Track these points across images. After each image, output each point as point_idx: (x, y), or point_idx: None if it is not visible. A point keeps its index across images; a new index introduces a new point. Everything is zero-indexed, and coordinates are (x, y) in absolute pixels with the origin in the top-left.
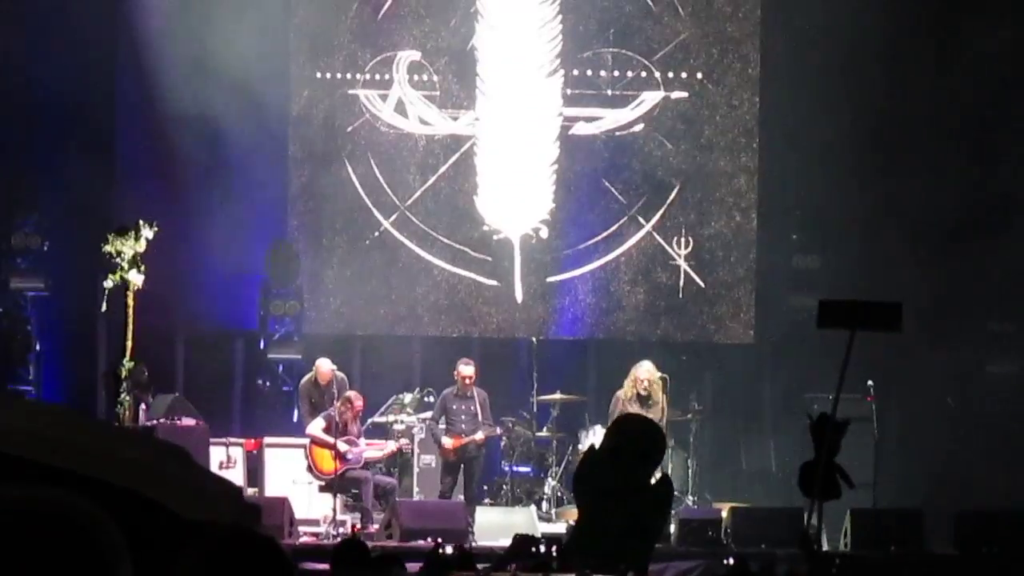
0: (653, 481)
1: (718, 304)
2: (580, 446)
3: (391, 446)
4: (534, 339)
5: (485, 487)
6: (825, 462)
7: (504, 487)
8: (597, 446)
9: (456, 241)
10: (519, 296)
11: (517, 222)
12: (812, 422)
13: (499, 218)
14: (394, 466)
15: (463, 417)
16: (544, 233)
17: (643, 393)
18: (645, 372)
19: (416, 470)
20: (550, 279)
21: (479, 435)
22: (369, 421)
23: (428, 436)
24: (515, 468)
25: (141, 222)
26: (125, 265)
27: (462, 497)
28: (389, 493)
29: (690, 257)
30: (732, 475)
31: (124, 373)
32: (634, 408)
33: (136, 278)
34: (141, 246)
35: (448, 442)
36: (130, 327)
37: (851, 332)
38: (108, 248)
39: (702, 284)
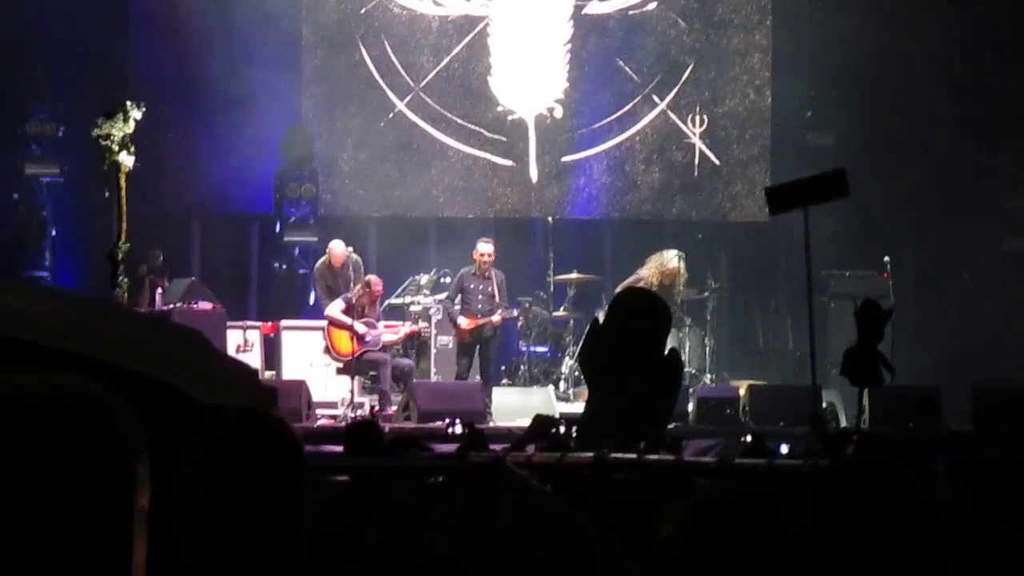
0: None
1: (733, 182)
2: (595, 316)
3: (408, 328)
4: (550, 219)
5: (502, 368)
6: (868, 349)
7: (521, 367)
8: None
9: (470, 122)
10: (534, 176)
11: (531, 102)
12: (857, 308)
13: (513, 98)
14: (411, 348)
15: (480, 297)
16: (558, 113)
17: (667, 283)
18: (676, 261)
19: (433, 352)
20: (565, 159)
21: (496, 317)
22: (386, 303)
23: (444, 317)
24: (532, 348)
25: (128, 103)
26: (115, 147)
27: (479, 378)
28: (407, 375)
29: (705, 135)
30: (749, 353)
31: (120, 256)
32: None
33: (126, 160)
34: (130, 127)
35: (464, 322)
36: (124, 210)
37: (804, 210)
38: (97, 132)
39: (717, 162)
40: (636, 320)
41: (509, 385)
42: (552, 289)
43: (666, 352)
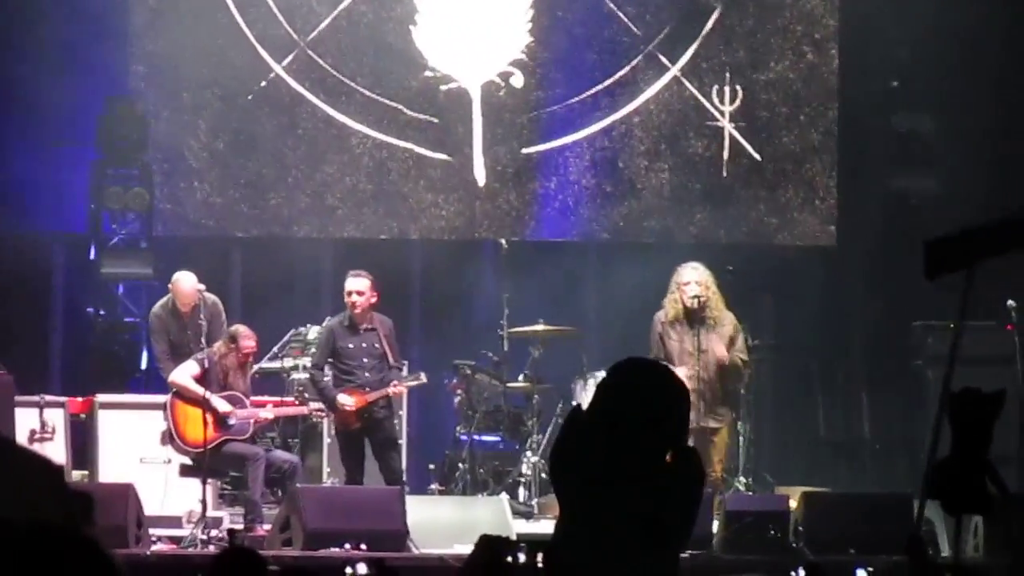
0: (668, 458)
1: (781, 186)
2: (573, 403)
3: (290, 407)
4: (503, 242)
5: (430, 467)
6: (971, 461)
7: (460, 467)
8: (585, 406)
9: (384, 94)
10: (480, 177)
11: (477, 64)
12: (953, 401)
13: (449, 59)
14: (295, 436)
15: (364, 360)
16: (518, 81)
17: (691, 305)
18: (692, 273)
19: (327, 442)
20: (527, 151)
21: (392, 387)
22: (258, 367)
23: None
24: (476, 438)
25: None
26: None
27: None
28: (288, 477)
29: (739, 115)
30: (804, 446)
31: None
32: (683, 334)
33: None
34: None
35: (348, 401)
36: None
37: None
38: None
39: (757, 156)
40: (636, 404)
41: (440, 493)
42: (507, 348)
43: (680, 452)
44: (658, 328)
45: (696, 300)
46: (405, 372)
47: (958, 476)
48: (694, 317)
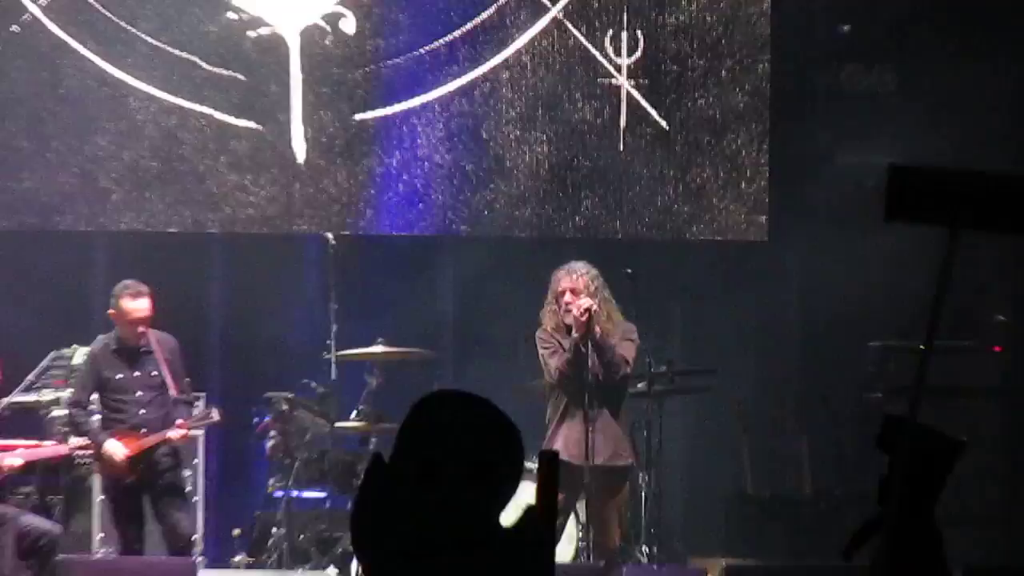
0: (509, 521)
1: (696, 164)
2: (374, 452)
3: (50, 449)
4: (330, 237)
5: (236, 532)
6: (906, 523)
7: (275, 532)
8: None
9: (173, 42)
10: (300, 151)
11: (295, 3)
12: (881, 432)
13: None
14: (57, 492)
15: (138, 393)
16: (348, 25)
17: (572, 322)
18: (573, 278)
19: (97, 500)
20: (361, 117)
21: (178, 428)
22: (7, 401)
23: (91, 434)
24: (296, 494)
25: None
26: None
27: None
28: (45, 545)
29: (640, 70)
30: (726, 504)
31: None
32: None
33: None
34: None
35: (118, 450)
36: None
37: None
38: None
39: (664, 124)
40: (459, 452)
41: (249, 566)
42: (336, 376)
43: (526, 511)
44: (540, 340)
45: (580, 314)
46: (199, 408)
47: (901, 545)
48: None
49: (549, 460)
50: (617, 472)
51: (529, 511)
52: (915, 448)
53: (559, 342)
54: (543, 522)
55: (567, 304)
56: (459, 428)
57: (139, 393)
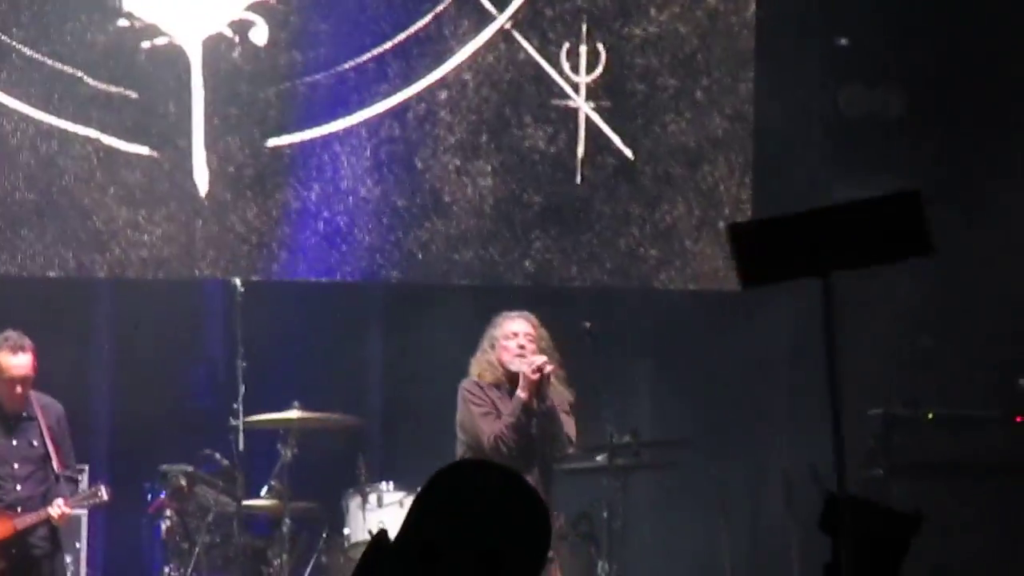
0: None
1: (666, 199)
2: (347, 532)
3: None
4: (238, 283)
5: None
6: None
7: None
8: (389, 533)
9: (55, 54)
10: (203, 183)
11: (197, 9)
12: (824, 512)
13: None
14: None
15: (14, 465)
16: (260, 35)
17: (517, 367)
18: (519, 322)
19: None
20: (275, 143)
21: (59, 507)
22: None
23: None
24: None
25: None
26: None
27: None
28: None
29: (601, 90)
30: None
31: None
32: (506, 402)
33: None
34: None
35: None
36: None
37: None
38: None
39: (629, 153)
40: (470, 534)
41: None
42: (243, 446)
43: None
44: (469, 394)
45: (533, 371)
46: (82, 485)
47: None
48: (513, 381)
49: None
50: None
51: None
52: (865, 528)
53: (494, 401)
54: None
55: (519, 348)
56: (473, 504)
57: (16, 466)
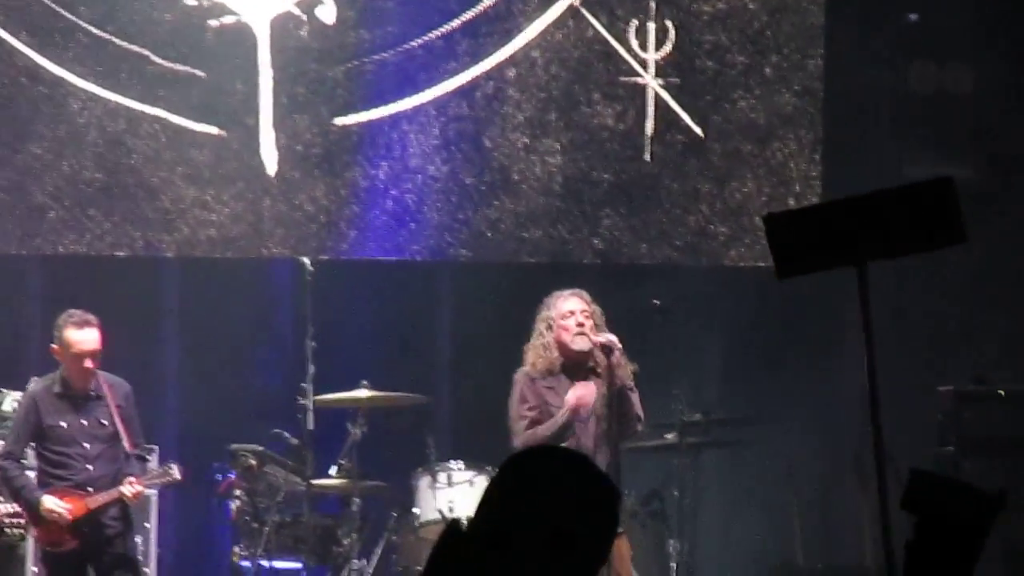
0: None
1: (736, 177)
2: (416, 511)
3: None
4: (307, 262)
5: None
6: None
7: None
8: (465, 517)
9: (121, 33)
10: (271, 162)
11: None
12: (907, 489)
13: None
14: None
15: (84, 445)
16: (327, 13)
17: (579, 347)
18: (574, 301)
19: (32, 572)
20: (343, 121)
21: (131, 486)
22: None
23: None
24: (266, 564)
25: None
26: None
27: None
28: None
29: (670, 67)
30: (770, 568)
31: None
32: (561, 393)
33: None
34: None
35: (60, 508)
36: None
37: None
38: None
39: (698, 130)
40: (541, 519)
41: None
42: (313, 425)
43: None
44: (521, 396)
45: (609, 348)
46: (152, 464)
47: None
48: (578, 367)
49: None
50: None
51: None
52: (947, 507)
53: (543, 395)
54: None
55: (578, 327)
56: (541, 488)
57: (87, 445)
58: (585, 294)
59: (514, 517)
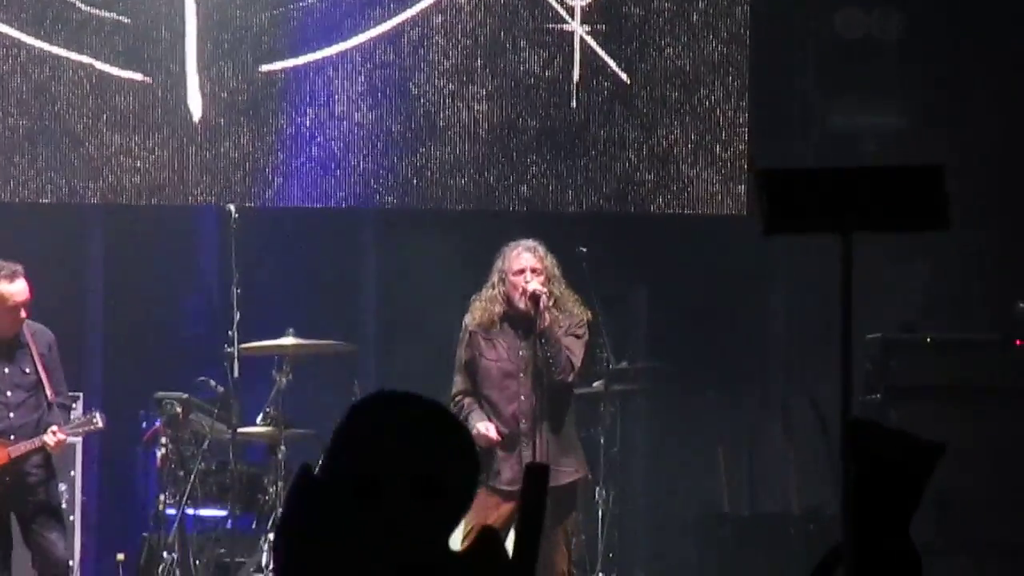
0: (458, 541)
1: (663, 124)
2: (304, 463)
3: None
4: (232, 209)
5: (120, 557)
6: (877, 545)
7: (166, 557)
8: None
9: None
10: (196, 108)
11: None
12: (844, 438)
13: None
14: None
15: (7, 393)
16: None
17: (525, 307)
18: (528, 256)
19: None
20: (268, 68)
21: (53, 434)
22: None
23: None
24: (192, 512)
25: None
26: None
27: None
28: None
29: (596, 13)
30: (699, 526)
31: None
32: (507, 347)
33: None
34: None
35: None
36: None
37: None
38: None
39: (625, 77)
40: (403, 465)
41: None
42: (238, 373)
43: (480, 534)
44: (467, 339)
45: (536, 298)
46: (77, 412)
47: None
48: (524, 321)
49: (537, 475)
50: (563, 491)
51: (484, 533)
52: (887, 455)
53: (481, 348)
54: (525, 549)
55: (526, 285)
56: (403, 437)
57: (8, 394)
58: (540, 247)
59: (380, 464)
